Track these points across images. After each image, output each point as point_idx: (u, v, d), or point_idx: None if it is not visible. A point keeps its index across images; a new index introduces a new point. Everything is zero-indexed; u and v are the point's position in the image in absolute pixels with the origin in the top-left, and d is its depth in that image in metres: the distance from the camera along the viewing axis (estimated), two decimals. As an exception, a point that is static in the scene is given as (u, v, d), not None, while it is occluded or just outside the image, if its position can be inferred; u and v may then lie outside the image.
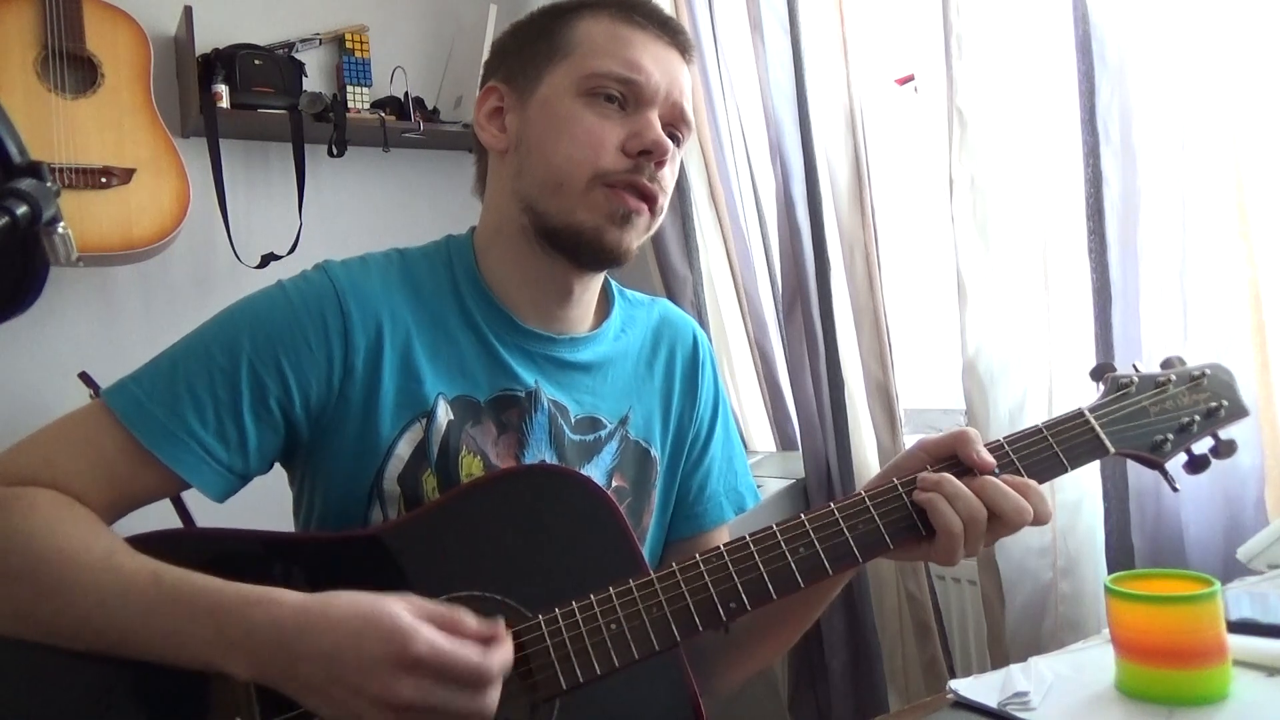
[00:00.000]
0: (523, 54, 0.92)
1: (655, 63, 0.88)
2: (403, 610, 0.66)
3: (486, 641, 0.68)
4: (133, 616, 0.70)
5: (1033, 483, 0.78)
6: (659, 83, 0.88)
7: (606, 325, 0.98)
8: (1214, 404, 0.86)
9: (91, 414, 0.81)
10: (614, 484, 0.95)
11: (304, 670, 0.66)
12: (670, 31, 0.91)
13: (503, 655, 0.68)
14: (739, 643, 0.95)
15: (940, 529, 0.76)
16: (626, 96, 0.87)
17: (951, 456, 0.80)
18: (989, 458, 0.79)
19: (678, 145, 0.92)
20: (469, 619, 0.68)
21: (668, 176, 0.90)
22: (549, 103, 0.88)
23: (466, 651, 0.66)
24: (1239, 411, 0.87)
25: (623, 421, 0.96)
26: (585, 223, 0.86)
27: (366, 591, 0.68)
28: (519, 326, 0.92)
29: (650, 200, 0.88)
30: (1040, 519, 0.77)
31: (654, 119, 0.87)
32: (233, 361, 0.82)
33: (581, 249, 0.88)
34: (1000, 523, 0.76)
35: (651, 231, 0.92)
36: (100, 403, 0.81)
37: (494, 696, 0.67)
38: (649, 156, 0.86)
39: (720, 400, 1.06)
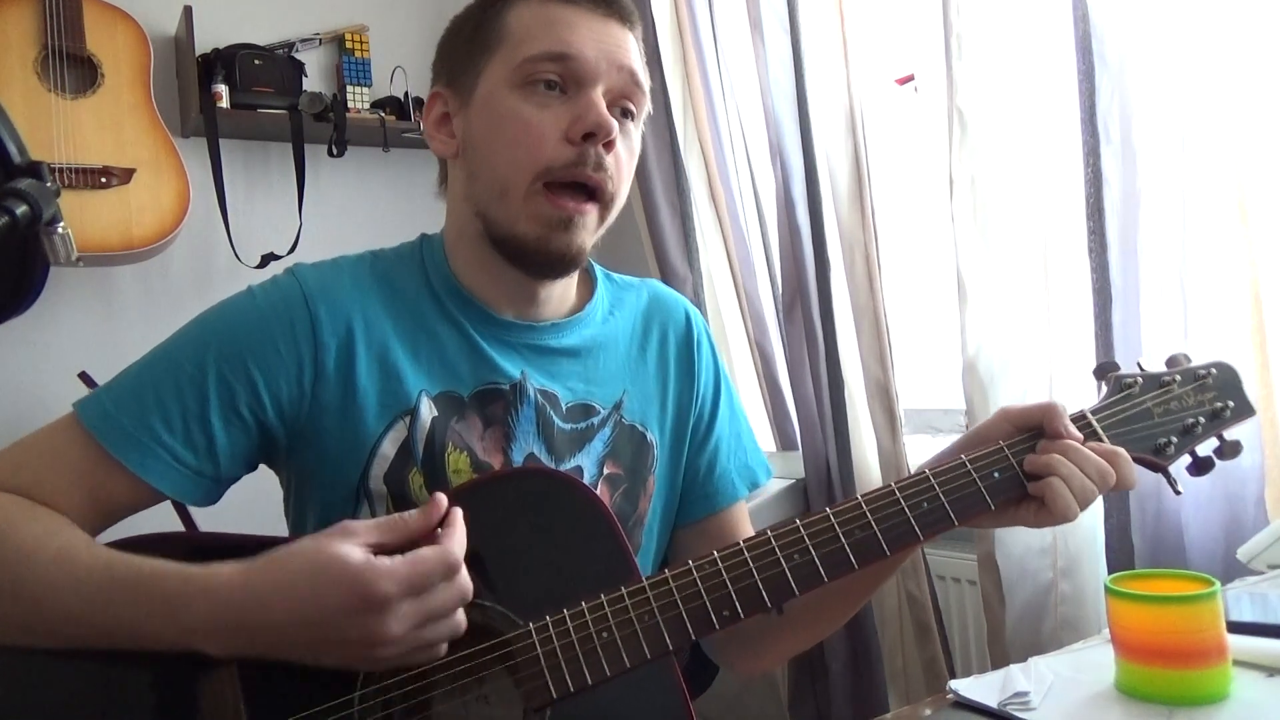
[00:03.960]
0: (460, 53, 0.90)
1: (589, 37, 0.85)
2: (350, 550, 0.66)
3: (433, 531, 0.69)
4: (92, 610, 0.70)
5: (1120, 450, 0.80)
6: (595, 57, 0.84)
7: (590, 308, 0.97)
8: (1219, 404, 0.84)
9: (64, 424, 0.82)
10: (607, 470, 0.94)
11: (273, 640, 0.66)
12: (604, 2, 0.87)
13: (457, 536, 0.69)
14: (792, 622, 0.94)
15: (1050, 492, 0.77)
16: (565, 78, 0.85)
17: (1036, 427, 0.81)
18: (1076, 431, 0.80)
19: (632, 118, 0.89)
20: (409, 515, 0.69)
21: (623, 154, 0.87)
22: (488, 101, 0.87)
23: (425, 555, 0.66)
24: (1245, 411, 0.85)
25: (616, 406, 0.95)
26: (528, 234, 0.85)
27: (308, 541, 0.68)
28: (496, 319, 0.91)
29: (597, 190, 0.85)
30: (1123, 484, 0.79)
31: (596, 98, 0.84)
32: (200, 368, 0.82)
33: (528, 259, 0.87)
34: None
35: (611, 219, 0.90)
36: (72, 413, 0.82)
37: (466, 575, 0.68)
38: (594, 139, 0.84)
39: (721, 377, 1.04)
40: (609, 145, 0.85)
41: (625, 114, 0.88)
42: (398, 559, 0.66)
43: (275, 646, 0.67)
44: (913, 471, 0.81)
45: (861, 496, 0.78)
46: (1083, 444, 0.79)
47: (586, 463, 0.93)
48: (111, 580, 0.70)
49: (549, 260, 0.87)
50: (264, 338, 0.84)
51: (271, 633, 0.66)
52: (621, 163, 0.88)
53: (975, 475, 0.79)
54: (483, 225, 0.88)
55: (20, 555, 0.72)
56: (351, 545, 0.66)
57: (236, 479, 0.87)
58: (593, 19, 0.86)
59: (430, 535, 0.70)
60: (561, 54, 0.84)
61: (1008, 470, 0.79)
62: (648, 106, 0.92)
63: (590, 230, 0.87)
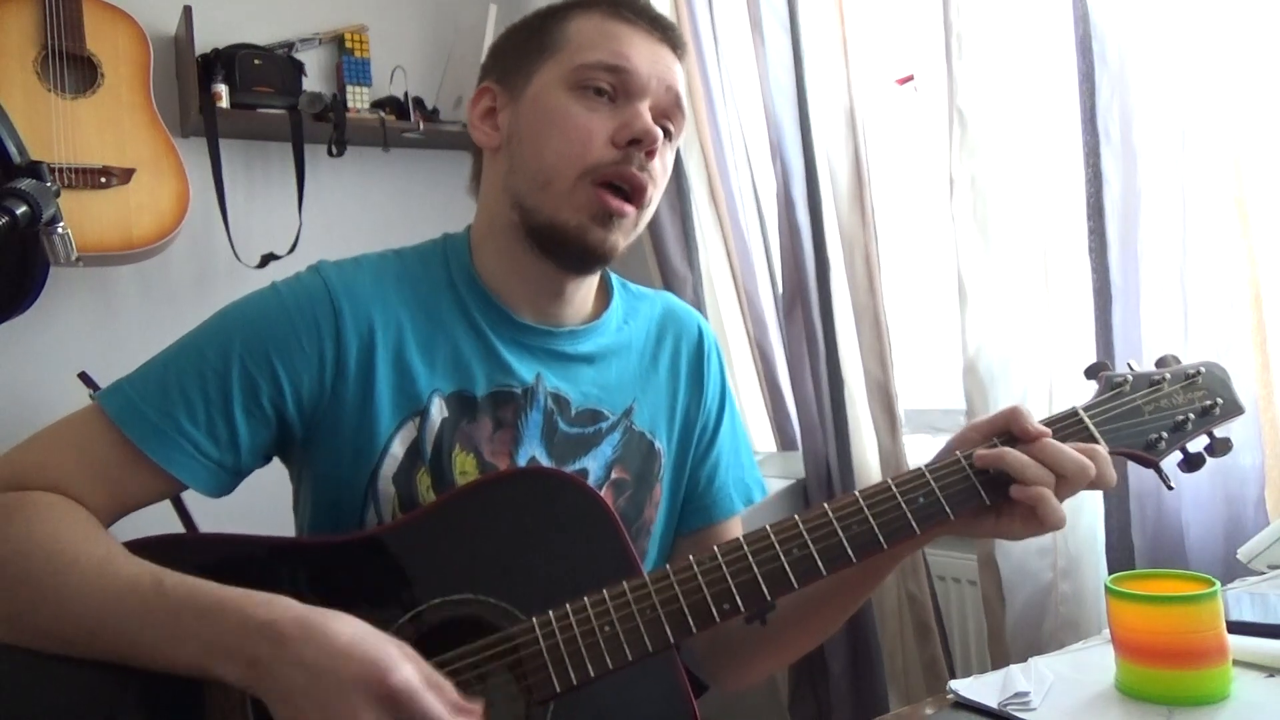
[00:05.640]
0: (515, 53, 0.93)
1: (644, 55, 0.89)
2: (393, 647, 0.68)
3: (459, 710, 0.68)
4: (129, 619, 0.70)
5: (1098, 447, 0.79)
6: (648, 74, 0.88)
7: (607, 316, 0.98)
8: (1209, 402, 0.85)
9: (86, 416, 0.82)
10: (614, 476, 0.94)
11: (285, 674, 0.66)
12: (661, 28, 0.91)
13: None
14: (775, 634, 0.94)
15: (1020, 497, 0.77)
16: (616, 88, 0.88)
17: (1003, 433, 0.81)
18: (1043, 428, 0.80)
19: (670, 138, 0.92)
20: (452, 690, 0.69)
21: (658, 167, 0.90)
22: (539, 98, 0.89)
23: (436, 706, 0.66)
24: (1234, 409, 0.86)
25: (626, 413, 0.96)
26: (569, 221, 0.86)
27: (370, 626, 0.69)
28: (516, 321, 0.92)
29: (639, 192, 0.88)
30: (1102, 481, 0.78)
31: (643, 109, 0.87)
32: (225, 361, 0.83)
33: (566, 248, 0.88)
34: (1065, 482, 0.77)
35: (641, 227, 0.92)
36: (95, 405, 0.82)
37: None
38: (639, 146, 0.86)
39: (726, 392, 1.06)
40: (651, 154, 0.88)
41: (664, 133, 0.90)
42: (422, 679, 0.67)
43: (280, 680, 0.67)
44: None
45: (859, 492, 0.79)
46: (1052, 438, 0.79)
47: (593, 466, 0.93)
48: (159, 591, 0.71)
49: (584, 252, 0.88)
50: (288, 332, 0.85)
51: (290, 668, 0.66)
52: (657, 174, 0.90)
53: (971, 470, 0.79)
54: (520, 216, 0.89)
55: (62, 563, 0.73)
56: (398, 648, 0.68)
57: (251, 471, 0.87)
58: (649, 40, 0.90)
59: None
60: (617, 66, 0.87)
61: (960, 482, 0.79)
62: (683, 133, 0.95)
63: (626, 232, 0.90)
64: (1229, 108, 1.18)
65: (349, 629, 0.68)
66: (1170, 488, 0.85)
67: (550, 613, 0.74)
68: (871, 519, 0.77)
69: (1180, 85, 1.22)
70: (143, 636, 0.70)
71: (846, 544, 0.76)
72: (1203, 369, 0.87)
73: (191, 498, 0.85)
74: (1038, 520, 0.76)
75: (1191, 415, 0.85)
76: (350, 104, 2.34)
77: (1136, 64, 1.26)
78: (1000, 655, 1.48)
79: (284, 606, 0.69)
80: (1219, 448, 0.85)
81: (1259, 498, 1.17)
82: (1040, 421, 0.82)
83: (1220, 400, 0.86)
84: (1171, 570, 0.88)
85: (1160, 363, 0.90)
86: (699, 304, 2.08)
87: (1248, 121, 1.17)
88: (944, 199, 1.50)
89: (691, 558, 0.76)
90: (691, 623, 0.74)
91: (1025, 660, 0.85)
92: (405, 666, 0.66)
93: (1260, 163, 1.16)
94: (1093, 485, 0.79)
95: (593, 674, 0.72)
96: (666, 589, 0.75)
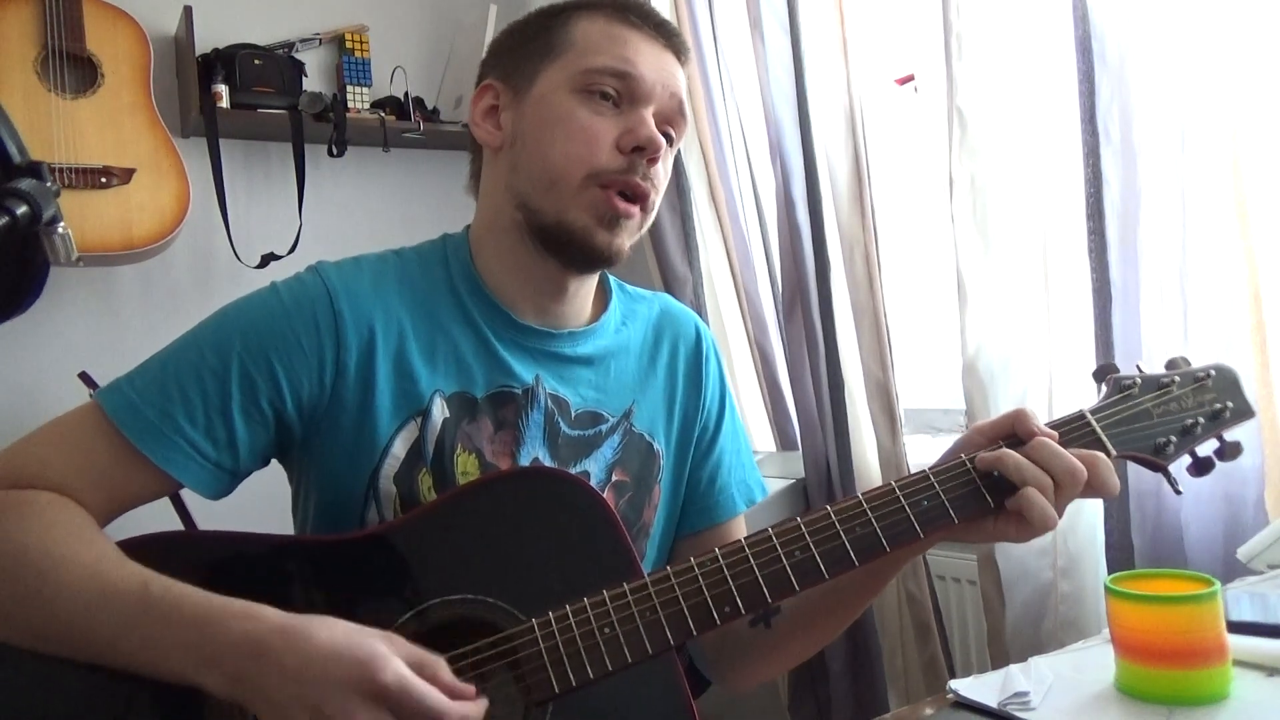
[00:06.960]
0: (519, 52, 0.93)
1: (649, 60, 0.89)
2: (381, 643, 0.67)
3: (456, 695, 0.67)
4: (116, 623, 0.70)
5: (1099, 454, 0.78)
6: (653, 80, 0.89)
7: (605, 318, 0.99)
8: (1219, 405, 0.84)
9: (85, 414, 0.82)
10: (615, 478, 0.94)
11: (270, 682, 0.66)
12: (665, 33, 0.92)
13: (467, 711, 0.67)
14: (780, 638, 0.94)
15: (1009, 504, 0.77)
16: (621, 93, 0.88)
17: (1008, 436, 0.80)
18: (1047, 430, 0.79)
19: (671, 144, 0.92)
20: (445, 670, 0.68)
21: (661, 173, 0.91)
22: (545, 99, 0.89)
23: (433, 694, 0.66)
24: (1245, 412, 0.85)
25: (626, 415, 0.97)
26: (575, 223, 0.87)
27: (356, 626, 0.68)
28: (516, 322, 0.92)
29: (642, 199, 0.89)
30: (1103, 489, 0.78)
31: (647, 116, 0.88)
32: (224, 361, 0.83)
33: (572, 248, 0.88)
34: (1059, 488, 0.76)
35: (644, 229, 0.93)
36: (94, 403, 0.82)
37: None
38: (642, 153, 0.87)
39: (725, 393, 1.06)
40: (654, 161, 0.88)
41: (666, 138, 0.91)
42: (413, 673, 0.66)
43: (265, 689, 0.66)
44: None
45: (862, 494, 0.78)
46: (1057, 442, 0.78)
47: (594, 468, 0.93)
48: (146, 596, 0.70)
49: (589, 253, 0.88)
50: (287, 332, 0.85)
51: (274, 675, 0.66)
52: (659, 180, 0.91)
53: (975, 473, 0.79)
54: (524, 216, 0.90)
55: (54, 563, 0.72)
56: (386, 644, 0.67)
57: (250, 473, 0.87)
58: (654, 46, 0.91)
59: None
60: (624, 71, 0.88)
61: (964, 484, 0.79)
62: (685, 136, 0.96)
63: (631, 234, 0.90)
64: (1229, 108, 1.18)
65: (329, 632, 0.67)
66: (1178, 492, 0.84)
67: (550, 614, 0.74)
68: (874, 521, 0.77)
69: (1180, 85, 1.22)
70: (127, 640, 0.70)
71: (849, 547, 0.76)
72: (1213, 371, 0.86)
73: (191, 496, 0.84)
74: (1027, 522, 0.76)
75: (1201, 419, 0.83)
76: (350, 104, 2.34)
77: (1136, 64, 1.26)
78: (1000, 655, 1.48)
79: (264, 617, 0.68)
80: (1229, 451, 0.84)
81: (1259, 498, 1.17)
82: (1047, 425, 0.81)
83: (1230, 403, 0.84)
84: (1171, 570, 0.88)
85: (1170, 364, 0.88)
86: (699, 304, 2.08)
87: (1248, 121, 1.17)
88: (944, 199, 1.50)
89: (692, 559, 0.76)
90: (692, 625, 0.73)
91: (1025, 660, 0.85)
92: (394, 661, 0.65)
93: (1260, 163, 1.16)
94: (1094, 493, 0.78)
95: (592, 676, 0.72)
96: (667, 591, 0.74)
